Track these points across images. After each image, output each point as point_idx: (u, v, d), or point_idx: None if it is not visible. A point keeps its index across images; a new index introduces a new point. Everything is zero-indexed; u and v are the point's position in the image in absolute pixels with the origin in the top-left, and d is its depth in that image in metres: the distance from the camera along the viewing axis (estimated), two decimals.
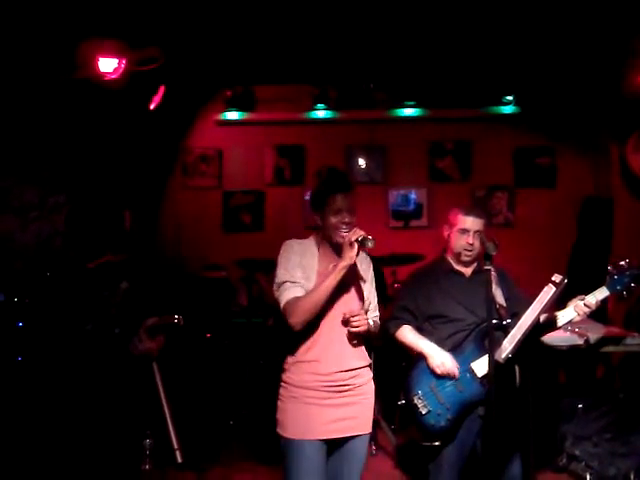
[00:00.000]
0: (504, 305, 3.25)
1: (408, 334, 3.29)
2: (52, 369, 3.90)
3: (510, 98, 6.47)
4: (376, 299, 2.95)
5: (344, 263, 2.65)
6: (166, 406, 3.54)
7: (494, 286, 3.27)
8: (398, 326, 3.33)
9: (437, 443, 3.17)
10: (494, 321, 3.16)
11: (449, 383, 3.16)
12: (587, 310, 3.14)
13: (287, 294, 2.71)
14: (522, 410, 3.38)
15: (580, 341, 3.92)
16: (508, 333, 3.12)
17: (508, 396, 3.21)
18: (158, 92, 5.79)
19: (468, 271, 3.35)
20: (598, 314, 4.57)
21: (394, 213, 6.68)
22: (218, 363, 5.19)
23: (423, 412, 3.15)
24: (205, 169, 6.73)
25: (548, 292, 2.98)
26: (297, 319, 2.67)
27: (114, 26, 4.65)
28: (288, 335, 2.74)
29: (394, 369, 4.78)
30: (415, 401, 3.18)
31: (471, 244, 3.25)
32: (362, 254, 2.87)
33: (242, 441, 4.86)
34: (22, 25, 4.37)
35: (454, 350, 3.20)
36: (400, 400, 3.27)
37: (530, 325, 3.01)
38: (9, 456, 3.66)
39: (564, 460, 4.21)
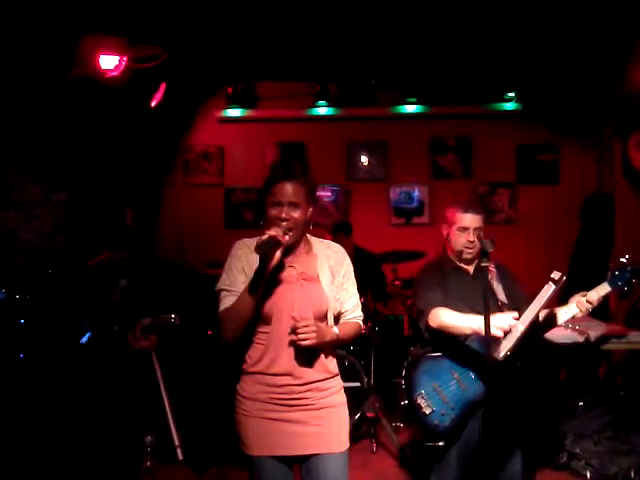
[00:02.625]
0: (505, 301, 3.23)
1: (448, 315, 3.11)
2: (53, 366, 3.91)
3: (512, 95, 6.46)
4: (356, 296, 2.61)
5: (254, 272, 2.36)
6: (167, 403, 3.54)
7: (495, 282, 3.26)
8: (429, 310, 3.17)
9: (441, 443, 3.13)
10: None
11: (453, 382, 3.15)
12: (589, 306, 3.13)
13: (222, 304, 2.46)
14: (522, 408, 3.37)
15: (581, 339, 3.91)
16: (487, 331, 3.11)
17: (508, 394, 3.19)
18: (159, 89, 5.79)
19: (470, 268, 3.34)
20: (600, 312, 4.58)
21: (396, 210, 6.68)
22: (219, 361, 5.19)
23: (427, 412, 3.12)
24: (207, 166, 6.73)
25: (547, 290, 2.97)
26: (225, 332, 2.44)
27: (115, 23, 4.65)
28: (239, 344, 2.49)
29: (395, 368, 4.79)
30: (419, 401, 3.14)
31: (472, 241, 3.23)
32: (333, 247, 2.60)
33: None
34: (23, 22, 4.37)
35: (458, 348, 3.19)
36: (403, 400, 3.24)
37: (529, 323, 3.00)
38: (11, 452, 3.67)
39: (564, 458, 4.20)
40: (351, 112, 6.59)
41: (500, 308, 3.20)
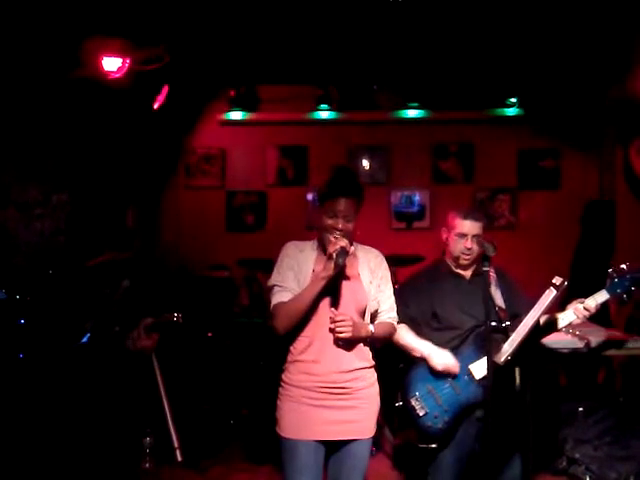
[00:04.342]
0: (503, 307, 3.24)
1: (406, 334, 3.25)
2: (53, 367, 3.91)
3: (514, 100, 6.46)
4: (392, 298, 2.91)
5: (323, 274, 2.64)
6: (166, 404, 3.54)
7: (493, 287, 3.27)
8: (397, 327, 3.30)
9: (434, 445, 3.16)
10: (493, 323, 3.16)
11: (447, 385, 3.16)
12: (586, 313, 3.13)
13: (274, 298, 2.73)
14: (522, 413, 3.37)
15: (581, 344, 3.91)
16: (508, 335, 3.11)
17: (507, 398, 3.19)
18: (162, 91, 5.80)
19: (467, 274, 3.34)
20: (601, 318, 4.58)
21: (397, 214, 6.67)
22: (219, 363, 5.19)
23: (420, 414, 3.14)
24: (208, 169, 6.73)
25: (548, 295, 2.98)
26: (280, 324, 2.70)
27: (118, 25, 4.66)
28: (287, 335, 2.75)
29: (393, 370, 4.78)
30: (413, 403, 3.17)
31: (469, 248, 3.24)
32: (373, 252, 2.88)
33: (242, 441, 4.87)
34: (26, 23, 4.38)
35: (452, 352, 3.19)
36: (397, 401, 3.26)
37: (530, 328, 3.01)
38: (9, 453, 3.67)
39: (564, 463, 4.20)
40: (353, 116, 6.59)
41: (497, 313, 3.21)
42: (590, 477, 4.08)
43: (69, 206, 5.14)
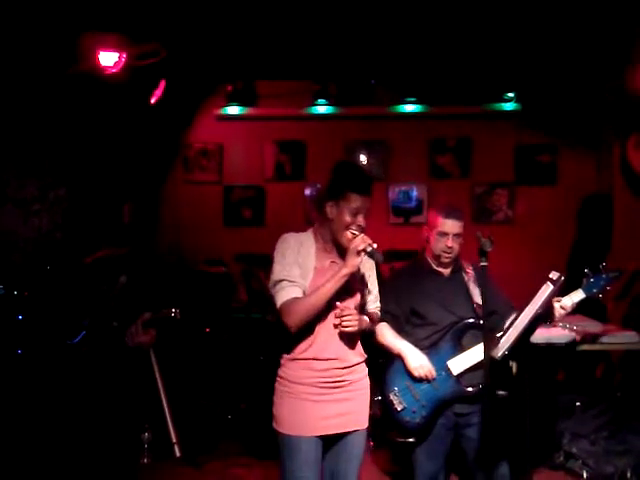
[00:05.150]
0: (480, 304, 3.27)
1: (386, 332, 3.28)
2: (51, 362, 3.91)
3: (511, 95, 6.45)
4: (377, 289, 2.93)
5: (346, 271, 2.61)
6: (164, 400, 3.55)
7: (472, 285, 3.30)
8: (379, 325, 3.31)
9: (412, 440, 3.20)
10: (471, 320, 3.20)
11: (425, 381, 3.19)
12: (562, 312, 3.18)
13: (284, 294, 2.66)
14: (519, 406, 3.39)
15: (578, 339, 3.93)
16: (484, 331, 3.14)
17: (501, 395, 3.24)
18: (159, 86, 5.79)
19: (447, 271, 3.37)
20: (597, 313, 4.60)
21: (394, 209, 6.68)
22: (217, 358, 5.20)
23: (398, 408, 3.19)
24: (206, 164, 6.73)
25: (545, 290, 2.99)
26: (294, 321, 2.63)
27: (115, 20, 4.65)
28: (286, 333, 2.70)
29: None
30: (391, 397, 3.22)
31: (450, 247, 3.26)
32: None
33: (240, 436, 4.88)
34: (23, 19, 4.36)
35: (430, 348, 3.22)
36: (377, 396, 3.30)
37: (528, 323, 3.02)
38: (7, 449, 3.67)
39: (561, 457, 4.22)
40: (350, 111, 6.58)
41: (474, 310, 3.24)
42: (587, 471, 4.10)
43: (66, 202, 5.14)
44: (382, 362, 3.37)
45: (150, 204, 6.52)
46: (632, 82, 5.12)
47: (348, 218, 2.66)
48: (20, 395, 3.81)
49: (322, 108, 6.56)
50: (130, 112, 5.66)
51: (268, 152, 6.71)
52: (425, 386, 3.18)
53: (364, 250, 2.58)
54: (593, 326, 4.08)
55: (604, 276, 3.15)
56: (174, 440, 3.64)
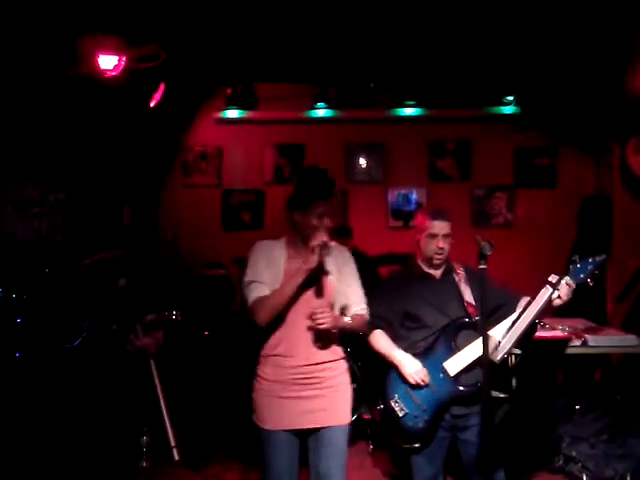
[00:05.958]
0: (472, 303, 3.28)
1: (380, 340, 3.29)
2: (50, 365, 3.91)
3: (510, 98, 6.47)
4: (360, 292, 2.99)
5: (305, 267, 2.75)
6: (163, 404, 3.54)
7: (462, 285, 3.31)
8: (371, 331, 3.33)
9: (417, 445, 3.21)
10: (462, 319, 3.21)
11: (423, 385, 3.20)
12: (559, 302, 3.15)
13: (254, 293, 2.82)
14: (518, 410, 3.39)
15: (578, 342, 3.92)
16: (477, 330, 3.14)
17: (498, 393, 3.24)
18: (158, 89, 5.79)
19: (438, 273, 3.38)
20: (597, 316, 4.59)
21: (394, 212, 6.68)
22: (216, 361, 5.19)
23: (400, 415, 3.19)
24: (205, 167, 6.73)
25: (545, 293, 2.98)
26: (262, 317, 2.78)
27: (114, 23, 4.65)
28: (259, 331, 2.84)
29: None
30: (392, 404, 3.22)
31: (441, 247, 3.27)
32: (340, 248, 3.00)
33: (238, 440, 4.87)
34: (23, 22, 4.37)
35: (426, 351, 3.22)
36: (379, 405, 3.31)
37: (527, 326, 3.01)
38: (7, 451, 3.67)
39: (560, 461, 4.21)
40: (350, 114, 6.59)
41: (466, 309, 3.24)
42: (587, 475, 4.09)
43: (66, 205, 5.14)
44: (381, 370, 3.36)
45: (149, 207, 6.52)
46: (631, 85, 5.12)
47: (315, 222, 2.81)
48: (19, 399, 3.81)
49: (322, 111, 6.58)
50: (129, 115, 5.67)
51: (267, 155, 6.71)
52: (424, 390, 3.19)
53: (319, 246, 2.72)
54: (593, 329, 4.07)
55: (590, 260, 3.10)
56: (173, 444, 3.63)
